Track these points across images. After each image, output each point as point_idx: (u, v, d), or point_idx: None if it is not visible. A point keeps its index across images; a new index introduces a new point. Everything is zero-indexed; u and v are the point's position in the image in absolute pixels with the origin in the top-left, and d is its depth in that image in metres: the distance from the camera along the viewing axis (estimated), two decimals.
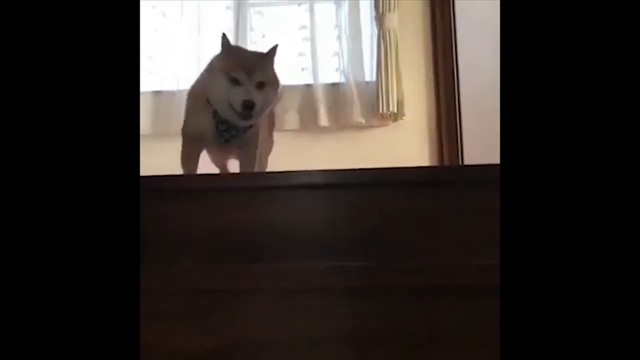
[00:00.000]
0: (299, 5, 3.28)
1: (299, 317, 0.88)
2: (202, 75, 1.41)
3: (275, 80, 1.34)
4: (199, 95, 1.39)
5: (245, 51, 1.40)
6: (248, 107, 1.26)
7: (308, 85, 3.14)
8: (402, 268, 0.93)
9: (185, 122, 1.46)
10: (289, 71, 3.21)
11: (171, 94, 3.19)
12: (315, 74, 3.14)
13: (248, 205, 1.07)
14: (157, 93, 3.20)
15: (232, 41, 3.19)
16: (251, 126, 1.38)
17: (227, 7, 3.29)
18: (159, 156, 2.72)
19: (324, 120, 3.06)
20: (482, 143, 2.65)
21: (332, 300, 0.89)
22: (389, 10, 3.04)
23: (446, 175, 1.13)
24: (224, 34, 1.34)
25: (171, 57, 3.23)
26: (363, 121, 3.05)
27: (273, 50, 1.34)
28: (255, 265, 0.98)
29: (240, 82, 1.28)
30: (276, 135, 3.10)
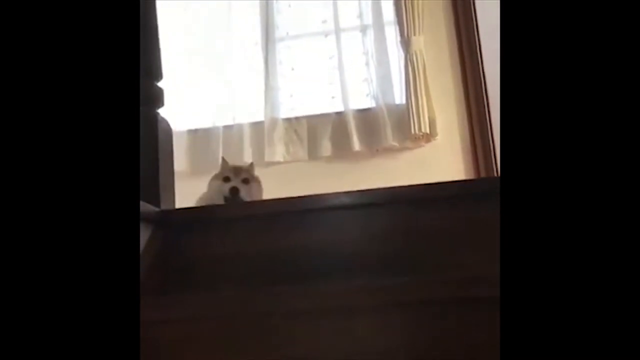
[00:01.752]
0: (326, 36, 3.35)
1: (341, 336, 0.89)
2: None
3: (257, 180, 1.81)
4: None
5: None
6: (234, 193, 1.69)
7: (339, 113, 3.18)
8: (443, 281, 0.93)
9: None
10: (319, 101, 3.27)
11: (206, 131, 3.27)
12: (345, 101, 3.18)
13: (287, 229, 1.10)
14: (192, 131, 3.29)
15: (262, 76, 3.30)
16: None
17: (256, 43, 3.38)
18: (198, 194, 2.80)
19: (357, 145, 3.09)
20: None
21: (375, 317, 0.90)
22: (414, 34, 3.08)
23: (481, 188, 1.13)
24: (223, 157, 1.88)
25: (204, 95, 3.31)
26: (396, 144, 3.07)
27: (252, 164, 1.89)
28: (294, 287, 1.00)
29: (230, 178, 1.75)
30: (311, 164, 3.17)
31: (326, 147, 3.15)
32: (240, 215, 1.15)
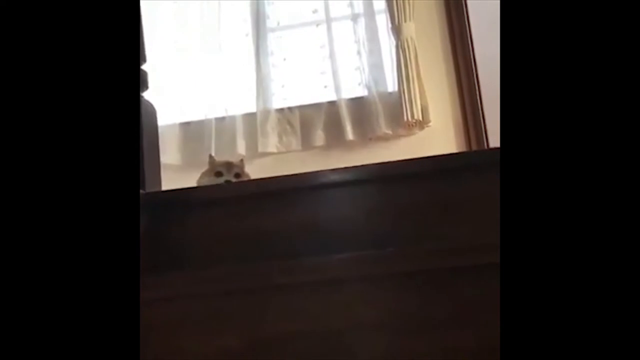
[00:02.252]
0: (317, 25, 3.33)
1: (332, 308, 0.89)
2: None
3: (247, 175, 1.79)
4: None
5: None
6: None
7: (331, 102, 3.17)
8: (433, 251, 0.92)
9: None
10: (311, 91, 3.25)
11: (199, 123, 3.25)
12: (337, 90, 3.16)
13: (274, 208, 1.09)
14: (185, 124, 3.27)
15: (254, 67, 3.28)
16: None
17: (246, 34, 3.36)
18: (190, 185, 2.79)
19: (350, 134, 3.07)
20: None
21: (366, 288, 0.90)
22: (405, 20, 3.06)
23: (466, 161, 1.13)
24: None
25: (195, 87, 3.29)
26: (390, 132, 3.06)
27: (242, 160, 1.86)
28: (284, 262, 0.99)
29: (223, 173, 1.72)
30: (304, 154, 3.15)
31: (320, 137, 3.14)
32: (227, 196, 1.14)
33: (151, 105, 1.20)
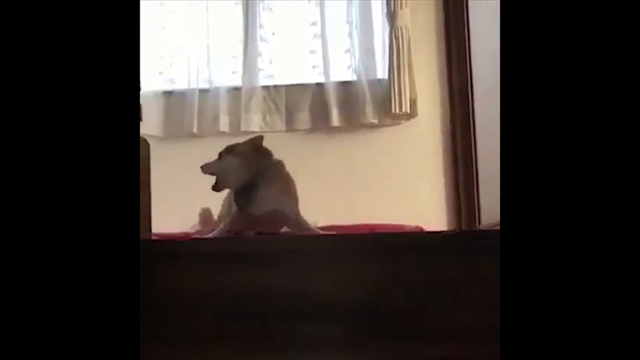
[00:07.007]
0: (309, 0, 3.22)
1: None
2: None
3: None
4: None
5: None
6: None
7: (319, 84, 3.10)
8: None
9: None
10: (299, 69, 3.17)
11: (182, 93, 3.16)
12: (326, 72, 3.09)
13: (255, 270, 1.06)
14: (168, 93, 3.18)
15: (242, 38, 3.17)
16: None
17: (236, 3, 3.24)
18: (171, 158, 2.72)
19: (336, 120, 3.02)
20: (496, 141, 2.62)
21: None
22: (401, 7, 2.98)
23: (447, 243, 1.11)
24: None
25: (181, 55, 3.19)
26: (376, 121, 3.02)
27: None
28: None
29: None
30: (287, 136, 3.10)
31: (305, 120, 3.09)
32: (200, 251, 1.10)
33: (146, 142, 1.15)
